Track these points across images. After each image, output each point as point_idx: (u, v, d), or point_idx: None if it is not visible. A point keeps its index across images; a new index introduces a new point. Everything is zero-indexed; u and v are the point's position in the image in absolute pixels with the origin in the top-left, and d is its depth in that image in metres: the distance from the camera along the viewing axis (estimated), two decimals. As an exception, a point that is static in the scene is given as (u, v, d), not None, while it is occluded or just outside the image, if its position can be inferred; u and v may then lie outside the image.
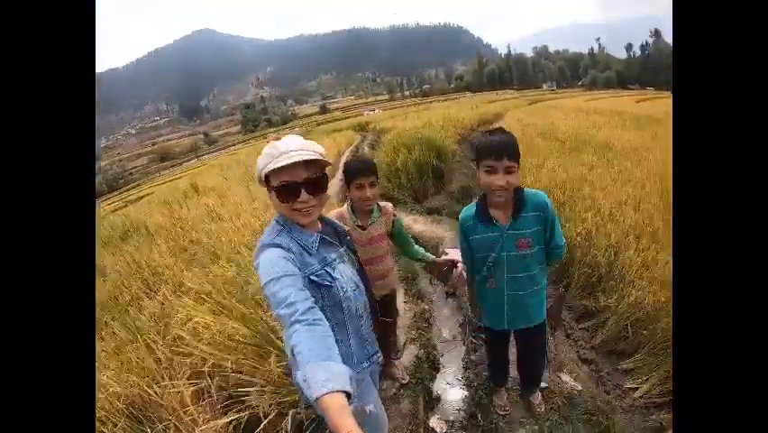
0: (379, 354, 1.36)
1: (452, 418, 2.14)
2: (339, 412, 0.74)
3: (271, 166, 1.09)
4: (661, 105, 18.42)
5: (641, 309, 2.41)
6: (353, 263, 1.31)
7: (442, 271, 2.05)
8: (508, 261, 1.59)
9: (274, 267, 1.02)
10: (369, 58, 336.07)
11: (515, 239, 1.56)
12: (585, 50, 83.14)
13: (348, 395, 0.79)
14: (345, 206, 1.96)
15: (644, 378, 2.20)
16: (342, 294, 1.17)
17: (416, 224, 4.91)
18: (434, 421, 2.12)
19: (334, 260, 1.20)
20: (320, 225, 1.25)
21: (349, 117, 35.76)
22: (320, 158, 1.13)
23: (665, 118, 10.67)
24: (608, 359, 2.45)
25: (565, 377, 2.28)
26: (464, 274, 1.87)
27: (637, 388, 2.18)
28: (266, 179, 1.15)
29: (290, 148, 1.09)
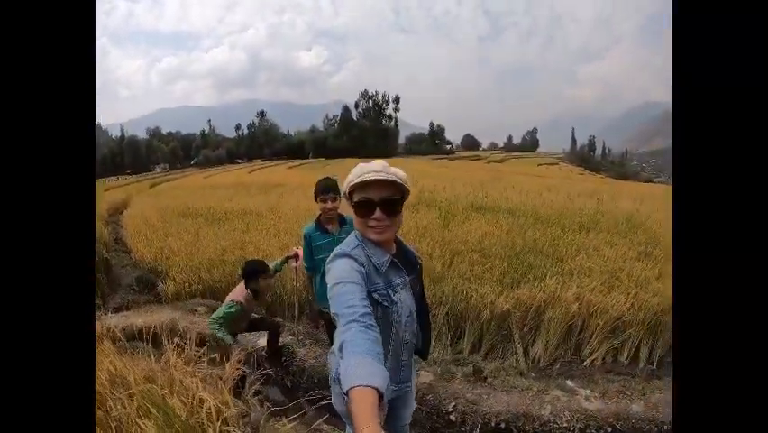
0: (409, 385, 1.42)
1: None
2: (365, 407, 0.73)
3: (354, 181, 1.17)
4: (271, 171, 23.13)
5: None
6: (414, 293, 1.35)
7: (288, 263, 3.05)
8: None
9: (345, 273, 1.10)
10: None
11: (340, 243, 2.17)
12: (197, 132, 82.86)
13: (380, 396, 0.78)
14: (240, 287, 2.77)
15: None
16: (395, 317, 1.24)
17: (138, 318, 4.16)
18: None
19: (398, 285, 1.26)
20: (394, 248, 1.31)
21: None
22: (398, 181, 1.18)
23: (284, 180, 13.80)
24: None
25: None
26: (305, 271, 2.73)
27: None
28: (349, 195, 1.23)
29: (373, 168, 1.17)
